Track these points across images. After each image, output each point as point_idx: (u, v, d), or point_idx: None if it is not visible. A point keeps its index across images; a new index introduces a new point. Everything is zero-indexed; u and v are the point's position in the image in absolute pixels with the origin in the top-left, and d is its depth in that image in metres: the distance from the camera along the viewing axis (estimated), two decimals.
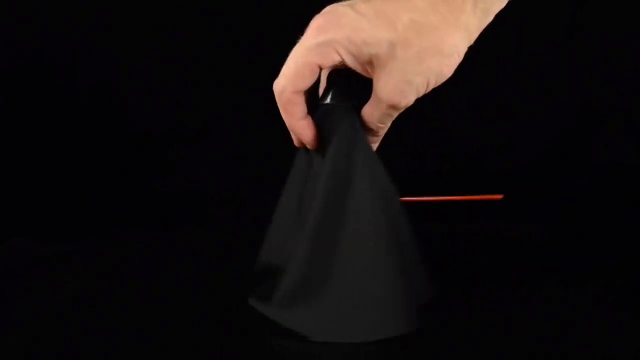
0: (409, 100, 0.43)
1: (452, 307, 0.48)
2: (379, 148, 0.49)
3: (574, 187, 0.77)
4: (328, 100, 0.47)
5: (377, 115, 0.45)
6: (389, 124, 0.46)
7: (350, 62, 0.43)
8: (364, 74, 0.44)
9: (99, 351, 0.42)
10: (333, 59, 0.42)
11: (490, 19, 0.43)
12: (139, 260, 0.60)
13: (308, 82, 0.43)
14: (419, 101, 0.49)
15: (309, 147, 0.46)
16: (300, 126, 0.45)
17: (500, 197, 0.49)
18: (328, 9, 0.43)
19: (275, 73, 0.45)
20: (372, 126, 0.46)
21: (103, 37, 0.78)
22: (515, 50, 0.76)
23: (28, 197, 0.74)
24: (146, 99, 0.80)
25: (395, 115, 0.45)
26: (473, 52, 0.45)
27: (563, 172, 0.78)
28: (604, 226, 0.67)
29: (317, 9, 0.44)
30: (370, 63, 0.42)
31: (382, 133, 0.47)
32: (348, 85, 0.45)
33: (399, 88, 0.42)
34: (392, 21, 0.41)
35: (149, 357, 0.42)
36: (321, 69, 0.43)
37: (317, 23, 0.43)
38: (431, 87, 0.43)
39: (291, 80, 0.43)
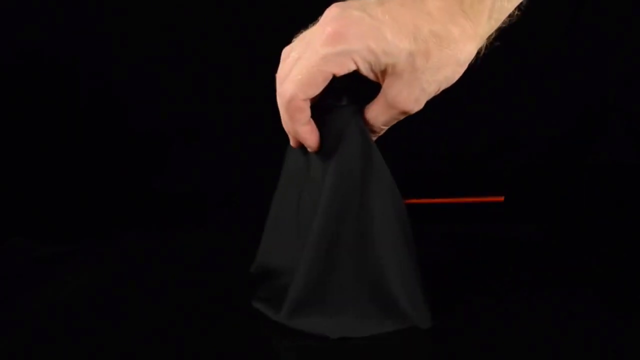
0: (421, 106, 0.44)
1: (451, 307, 0.48)
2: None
3: (574, 187, 0.77)
4: (328, 100, 0.46)
5: (383, 118, 0.45)
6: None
7: (365, 70, 0.42)
8: (373, 79, 0.43)
9: (99, 351, 0.42)
10: (349, 68, 0.41)
11: (498, 24, 0.44)
12: (139, 260, 0.60)
13: (319, 90, 0.42)
14: None
15: (310, 150, 0.46)
16: (304, 131, 0.44)
17: (501, 199, 0.49)
18: (338, 12, 0.41)
19: (274, 73, 0.45)
20: (376, 128, 0.46)
21: (103, 37, 0.78)
22: (515, 50, 0.76)
23: (28, 197, 0.74)
24: (146, 99, 0.80)
25: (402, 118, 0.45)
26: None
27: (563, 172, 0.78)
28: (604, 226, 0.67)
29: (315, 10, 0.43)
30: (384, 71, 0.42)
31: (383, 132, 0.47)
32: (348, 85, 0.45)
33: (414, 96, 0.43)
34: (411, 31, 0.41)
35: (150, 357, 0.42)
36: (334, 77, 0.42)
37: (333, 29, 0.41)
38: (440, 91, 0.44)
39: (301, 88, 0.42)
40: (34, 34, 0.77)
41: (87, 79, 0.79)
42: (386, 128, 0.46)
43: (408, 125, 0.52)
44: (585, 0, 0.76)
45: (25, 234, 0.64)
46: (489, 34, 0.44)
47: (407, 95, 0.42)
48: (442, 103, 0.46)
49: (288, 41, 0.46)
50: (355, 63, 0.41)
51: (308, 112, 0.44)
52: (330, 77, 0.42)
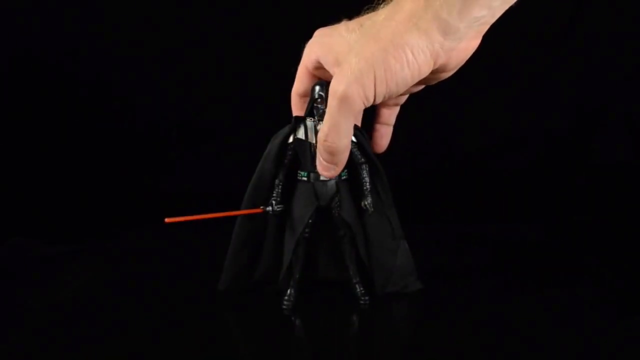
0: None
1: (451, 306, 0.48)
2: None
3: (574, 187, 0.77)
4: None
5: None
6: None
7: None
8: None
9: (100, 351, 0.42)
10: None
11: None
12: (140, 259, 0.60)
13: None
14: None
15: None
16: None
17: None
18: None
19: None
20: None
21: (104, 37, 0.78)
22: (515, 50, 0.76)
23: (28, 197, 0.74)
24: (147, 98, 0.80)
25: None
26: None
27: (563, 172, 0.78)
28: (604, 226, 0.67)
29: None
30: None
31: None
32: None
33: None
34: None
35: (150, 356, 0.42)
36: None
37: None
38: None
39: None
40: (35, 34, 0.77)
41: (87, 79, 0.79)
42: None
43: (408, 126, 0.52)
44: (584, 0, 0.76)
45: (25, 234, 0.64)
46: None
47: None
48: (442, 103, 0.46)
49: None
50: None
51: None
52: None
